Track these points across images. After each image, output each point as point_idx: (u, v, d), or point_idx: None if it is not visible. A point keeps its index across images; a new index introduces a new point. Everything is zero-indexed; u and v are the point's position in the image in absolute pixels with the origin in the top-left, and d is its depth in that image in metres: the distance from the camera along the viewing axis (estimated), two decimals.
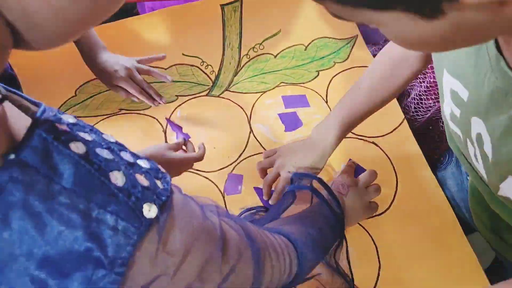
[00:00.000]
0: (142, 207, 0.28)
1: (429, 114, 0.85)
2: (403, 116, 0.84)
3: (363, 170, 0.78)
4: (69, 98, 0.84)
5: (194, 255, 0.32)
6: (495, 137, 0.44)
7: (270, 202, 0.73)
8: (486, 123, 0.44)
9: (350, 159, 0.78)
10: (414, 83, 0.87)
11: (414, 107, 0.87)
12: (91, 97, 0.84)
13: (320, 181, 0.66)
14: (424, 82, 0.84)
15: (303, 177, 0.68)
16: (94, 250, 0.26)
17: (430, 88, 0.83)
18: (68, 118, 0.30)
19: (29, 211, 0.24)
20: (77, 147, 0.27)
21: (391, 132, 0.83)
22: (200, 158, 0.71)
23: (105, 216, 0.26)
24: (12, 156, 0.24)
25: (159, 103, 0.81)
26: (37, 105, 0.29)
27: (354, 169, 0.76)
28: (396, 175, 0.79)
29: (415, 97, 0.86)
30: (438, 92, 0.78)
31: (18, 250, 0.24)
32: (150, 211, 0.28)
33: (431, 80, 0.82)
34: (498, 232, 0.68)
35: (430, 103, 0.84)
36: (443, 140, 0.83)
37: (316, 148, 0.70)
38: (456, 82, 0.48)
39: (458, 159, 0.69)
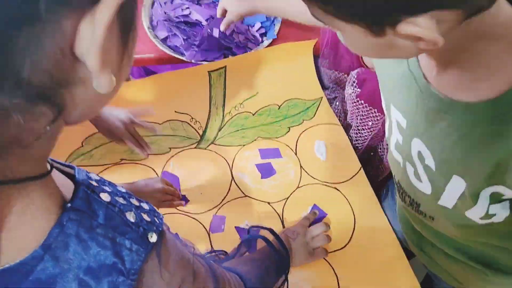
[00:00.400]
0: (147, 235, 0.42)
1: (366, 142, 1.01)
2: (360, 166, 1.01)
3: (325, 214, 0.94)
4: (77, 148, 0.97)
5: (176, 274, 0.46)
6: (434, 148, 0.56)
7: None
8: (424, 141, 0.57)
9: (312, 209, 0.94)
10: (352, 117, 1.03)
11: (355, 137, 1.04)
12: (95, 148, 0.98)
13: (272, 231, 0.82)
14: (358, 116, 1.00)
15: (260, 229, 0.85)
16: (118, 264, 0.40)
17: (364, 121, 1.00)
18: (94, 176, 0.45)
19: (79, 239, 0.38)
20: (105, 196, 0.41)
21: (350, 179, 0.99)
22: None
23: (125, 241, 0.40)
24: (69, 205, 0.38)
25: (148, 153, 0.95)
26: (69, 166, 0.43)
27: (312, 220, 0.92)
28: (354, 215, 0.95)
29: (355, 128, 1.03)
30: (371, 124, 0.97)
31: (73, 263, 0.38)
32: (152, 237, 0.42)
33: (364, 113, 0.98)
34: (423, 248, 0.84)
35: (365, 134, 1.01)
36: (383, 162, 1.01)
37: None
38: (398, 113, 0.62)
39: (393, 190, 0.86)
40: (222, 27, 1.04)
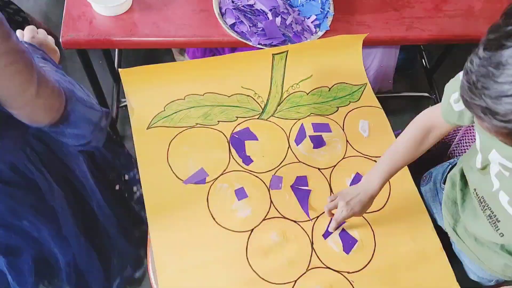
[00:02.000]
0: None
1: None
2: None
3: None
4: (160, 112, 1.16)
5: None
6: None
7: (330, 229, 1.03)
8: None
9: (355, 176, 1.11)
10: None
11: None
12: (175, 112, 1.16)
13: None
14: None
15: None
16: None
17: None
18: None
19: None
20: None
21: None
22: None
23: None
24: None
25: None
26: None
27: None
28: (389, 184, 1.12)
29: None
30: None
31: None
32: None
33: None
34: (456, 229, 1.01)
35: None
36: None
37: (366, 194, 0.97)
38: (504, 159, 0.73)
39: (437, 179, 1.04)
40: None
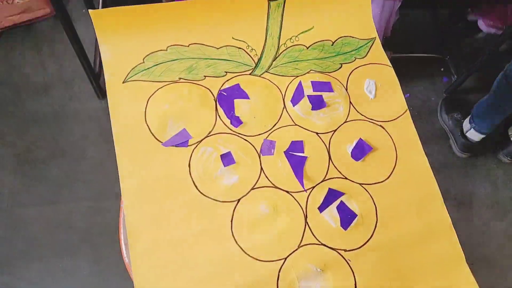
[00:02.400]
0: None
1: None
2: (406, 108, 1.04)
3: (370, 148, 0.99)
4: (138, 64, 1.01)
5: None
6: None
7: None
8: None
9: (357, 143, 0.98)
10: None
11: None
12: (155, 65, 1.02)
13: None
14: None
15: None
16: None
17: None
18: None
19: None
20: None
21: (396, 119, 1.03)
22: None
23: None
24: None
25: None
26: None
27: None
28: (396, 153, 1.00)
29: None
30: None
31: None
32: None
33: None
34: None
35: None
36: None
37: None
38: None
39: None
40: None
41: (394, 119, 1.03)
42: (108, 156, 1.58)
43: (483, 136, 1.95)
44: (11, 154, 1.55)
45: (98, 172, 1.56)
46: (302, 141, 0.98)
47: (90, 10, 0.93)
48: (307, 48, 1.09)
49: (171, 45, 1.03)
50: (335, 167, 0.97)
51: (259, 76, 1.05)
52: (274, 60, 1.06)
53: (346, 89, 1.05)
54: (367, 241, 0.91)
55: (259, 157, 0.96)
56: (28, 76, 1.61)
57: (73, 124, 1.62)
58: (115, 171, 1.68)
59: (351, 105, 1.04)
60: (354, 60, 1.09)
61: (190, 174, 0.92)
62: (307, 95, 1.03)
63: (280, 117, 1.01)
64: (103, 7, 1.71)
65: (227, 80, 1.03)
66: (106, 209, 1.50)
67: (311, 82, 1.04)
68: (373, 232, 0.92)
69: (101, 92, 1.63)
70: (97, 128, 1.63)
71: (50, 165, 1.55)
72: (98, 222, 1.48)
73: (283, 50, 1.07)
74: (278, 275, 0.86)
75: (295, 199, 0.93)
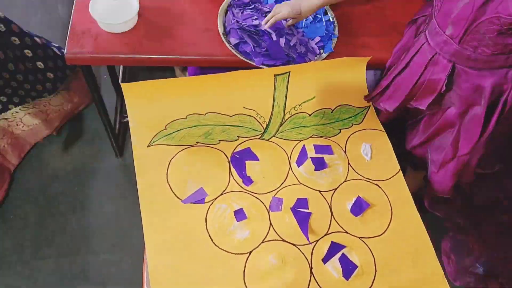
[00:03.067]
0: None
1: None
2: (399, 168, 1.17)
3: (368, 204, 1.10)
4: (161, 130, 1.15)
5: None
6: None
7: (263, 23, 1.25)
8: None
9: (356, 200, 1.09)
10: None
11: None
12: (176, 131, 1.16)
13: None
14: None
15: None
16: None
17: None
18: None
19: None
20: None
21: (390, 178, 1.15)
22: None
23: None
24: None
25: None
26: None
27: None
28: (391, 209, 1.11)
29: None
30: None
31: None
32: None
33: None
34: None
35: None
36: None
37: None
38: None
39: None
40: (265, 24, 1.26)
41: (388, 179, 1.15)
42: (124, 211, 1.68)
43: None
44: (34, 209, 1.66)
45: (114, 225, 1.66)
46: (306, 198, 1.10)
47: (122, 84, 1.09)
48: (310, 115, 1.23)
49: (190, 114, 1.17)
50: (336, 222, 1.08)
51: (268, 140, 1.18)
52: (280, 126, 1.20)
53: (345, 152, 1.18)
54: None
55: (268, 213, 1.07)
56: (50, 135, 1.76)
57: (92, 180, 1.74)
58: (130, 224, 1.77)
59: (349, 166, 1.16)
60: (351, 126, 1.23)
61: (206, 228, 1.03)
62: (310, 157, 1.15)
63: (286, 177, 1.13)
64: (123, 74, 1.89)
65: (239, 144, 1.16)
66: (122, 261, 1.59)
67: (314, 145, 1.17)
68: (373, 282, 1.01)
69: (119, 150, 1.76)
70: (114, 184, 1.75)
71: (69, 219, 1.65)
72: (113, 273, 1.56)
73: (288, 117, 1.22)
74: None
75: (301, 251, 1.03)
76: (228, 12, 1.36)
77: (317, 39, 1.34)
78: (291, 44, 1.30)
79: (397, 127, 1.32)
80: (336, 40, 1.33)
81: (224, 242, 1.02)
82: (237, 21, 1.33)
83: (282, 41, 1.29)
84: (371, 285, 1.01)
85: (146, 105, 1.15)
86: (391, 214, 1.10)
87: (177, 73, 1.92)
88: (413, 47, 1.13)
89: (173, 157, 1.12)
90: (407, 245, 1.06)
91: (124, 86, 1.10)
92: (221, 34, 1.29)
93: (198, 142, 1.15)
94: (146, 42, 1.26)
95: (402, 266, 1.04)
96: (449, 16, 1.00)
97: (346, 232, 1.07)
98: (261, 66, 1.24)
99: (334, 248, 1.04)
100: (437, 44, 1.05)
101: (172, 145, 1.14)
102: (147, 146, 1.12)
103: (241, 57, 1.24)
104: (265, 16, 1.34)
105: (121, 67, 1.94)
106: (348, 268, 1.02)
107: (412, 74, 1.13)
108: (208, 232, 1.03)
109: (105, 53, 1.22)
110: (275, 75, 1.23)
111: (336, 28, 1.35)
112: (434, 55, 1.07)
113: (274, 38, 1.28)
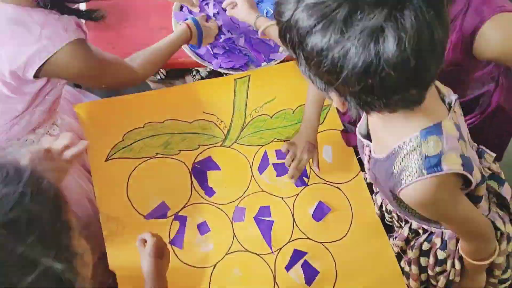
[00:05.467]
0: None
1: None
2: (359, 169, 1.18)
3: (329, 209, 1.12)
4: (118, 142, 1.12)
5: None
6: None
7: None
8: None
9: (318, 205, 1.11)
10: None
11: None
12: (134, 142, 1.12)
13: None
14: None
15: None
16: None
17: None
18: None
19: None
20: None
21: (350, 180, 1.17)
22: None
23: None
24: None
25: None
26: None
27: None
28: (352, 212, 1.13)
29: None
30: None
31: None
32: None
33: None
34: None
35: None
36: None
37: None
38: None
39: None
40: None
41: (349, 181, 1.17)
42: None
43: None
44: None
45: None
46: (269, 206, 1.11)
47: (74, 106, 1.04)
48: (271, 117, 1.21)
49: (148, 122, 1.14)
50: (298, 228, 1.10)
51: (229, 147, 1.17)
52: (241, 131, 1.19)
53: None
54: None
55: (232, 224, 1.08)
56: None
57: None
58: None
59: (311, 170, 1.17)
60: None
61: (170, 243, 1.04)
62: (272, 163, 1.15)
63: (249, 185, 1.13)
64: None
65: (200, 153, 1.15)
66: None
67: (275, 151, 1.17)
68: (333, 286, 1.05)
69: None
70: None
71: None
72: None
73: (249, 121, 1.20)
74: None
75: (264, 261, 1.05)
76: (184, 8, 1.29)
77: None
78: (252, 43, 1.26)
79: None
80: None
81: (188, 256, 1.03)
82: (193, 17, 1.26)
83: (241, 41, 1.24)
84: None
85: (102, 120, 1.11)
86: (352, 217, 1.13)
87: (152, 85, 1.80)
88: None
89: (133, 171, 1.09)
90: (367, 247, 1.10)
91: (77, 107, 1.06)
92: None
93: (157, 153, 1.13)
94: (95, 44, 1.19)
95: (362, 268, 1.08)
96: None
97: (308, 238, 1.09)
98: (219, 69, 1.20)
99: (297, 255, 1.07)
100: None
101: (130, 158, 1.11)
102: (105, 161, 1.09)
103: (198, 60, 1.20)
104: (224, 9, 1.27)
105: None
106: (310, 274, 1.05)
107: None
108: (172, 247, 1.03)
109: None
110: (235, 79, 1.19)
111: None
112: None
113: (232, 39, 1.23)
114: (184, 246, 1.04)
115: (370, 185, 1.16)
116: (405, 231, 1.03)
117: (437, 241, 0.96)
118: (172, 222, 1.06)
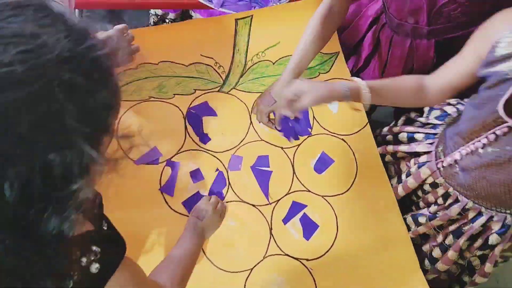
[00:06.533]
0: None
1: None
2: (367, 121, 1.10)
3: (332, 161, 1.05)
4: None
5: None
6: None
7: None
8: None
9: (320, 156, 1.04)
10: None
11: None
12: (126, 84, 1.05)
13: None
14: None
15: None
16: None
17: None
18: None
19: None
20: None
21: (357, 132, 1.09)
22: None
23: None
24: None
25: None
26: None
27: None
28: (356, 166, 1.06)
29: None
30: None
31: None
32: None
33: None
34: None
35: None
36: None
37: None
38: None
39: None
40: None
41: (355, 133, 1.09)
42: None
43: None
44: None
45: None
46: (267, 155, 1.04)
47: None
48: (273, 63, 1.13)
49: (141, 64, 1.07)
50: (298, 180, 1.03)
51: (227, 93, 1.09)
52: (241, 77, 1.11)
53: None
54: (328, 250, 0.98)
55: (227, 172, 1.01)
56: None
57: None
58: None
59: (314, 119, 1.09)
60: (318, 75, 1.14)
61: (161, 190, 0.98)
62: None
63: (247, 133, 1.06)
64: None
65: (196, 98, 1.07)
66: None
67: None
68: (334, 241, 0.98)
69: None
70: None
71: None
72: None
73: (250, 66, 1.12)
74: (245, 285, 0.93)
75: (260, 212, 0.99)
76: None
77: None
78: None
79: None
80: None
81: (179, 205, 0.97)
82: None
83: None
84: (332, 245, 0.98)
85: None
86: (356, 171, 1.05)
87: None
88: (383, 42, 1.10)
89: (124, 113, 1.02)
90: (371, 203, 1.02)
91: None
92: None
93: (150, 97, 1.06)
94: None
95: (365, 225, 1.01)
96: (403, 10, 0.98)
97: (308, 191, 1.02)
98: (220, 9, 1.11)
99: (295, 207, 1.00)
100: (406, 34, 1.03)
101: (122, 100, 1.04)
102: None
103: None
104: None
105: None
106: (309, 228, 0.99)
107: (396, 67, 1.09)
108: (163, 194, 0.97)
109: None
110: (236, 20, 1.11)
111: None
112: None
113: None
114: (176, 194, 0.98)
115: None
116: (452, 211, 0.93)
117: (496, 225, 0.91)
118: (163, 168, 0.99)
